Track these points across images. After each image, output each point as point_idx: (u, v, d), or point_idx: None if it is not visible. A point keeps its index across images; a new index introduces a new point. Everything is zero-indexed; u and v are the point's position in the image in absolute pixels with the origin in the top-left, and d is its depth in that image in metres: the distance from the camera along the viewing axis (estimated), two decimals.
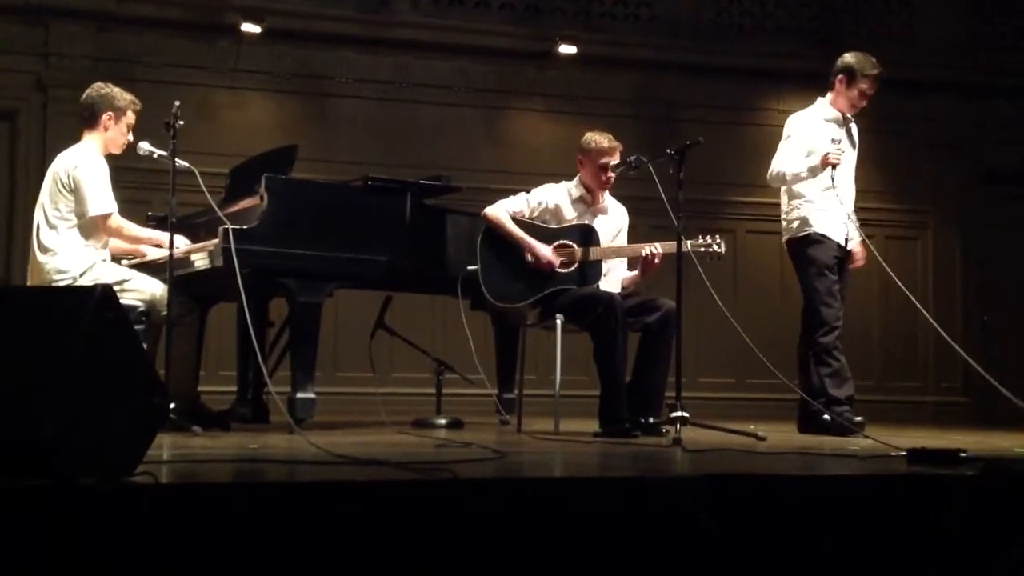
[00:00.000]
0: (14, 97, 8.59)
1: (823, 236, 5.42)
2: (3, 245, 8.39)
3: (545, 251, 5.23)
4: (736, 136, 9.70)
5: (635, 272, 5.42)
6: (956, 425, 7.30)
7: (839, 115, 5.52)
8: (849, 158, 5.52)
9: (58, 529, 2.14)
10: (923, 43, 10.19)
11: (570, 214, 5.40)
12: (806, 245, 5.46)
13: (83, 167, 4.99)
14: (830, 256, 5.41)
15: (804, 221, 5.46)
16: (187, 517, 2.26)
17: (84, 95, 5.15)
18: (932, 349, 10.01)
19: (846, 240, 5.48)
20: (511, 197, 5.45)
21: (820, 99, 5.59)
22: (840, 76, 5.52)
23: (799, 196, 5.46)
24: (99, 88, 5.15)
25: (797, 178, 5.40)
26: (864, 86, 5.48)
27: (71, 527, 2.16)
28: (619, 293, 5.28)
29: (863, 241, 5.63)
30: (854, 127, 5.63)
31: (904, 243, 10.14)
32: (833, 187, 5.26)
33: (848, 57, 5.56)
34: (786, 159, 5.45)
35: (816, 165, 5.31)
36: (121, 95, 5.14)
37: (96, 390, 2.37)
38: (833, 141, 5.30)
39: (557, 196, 5.43)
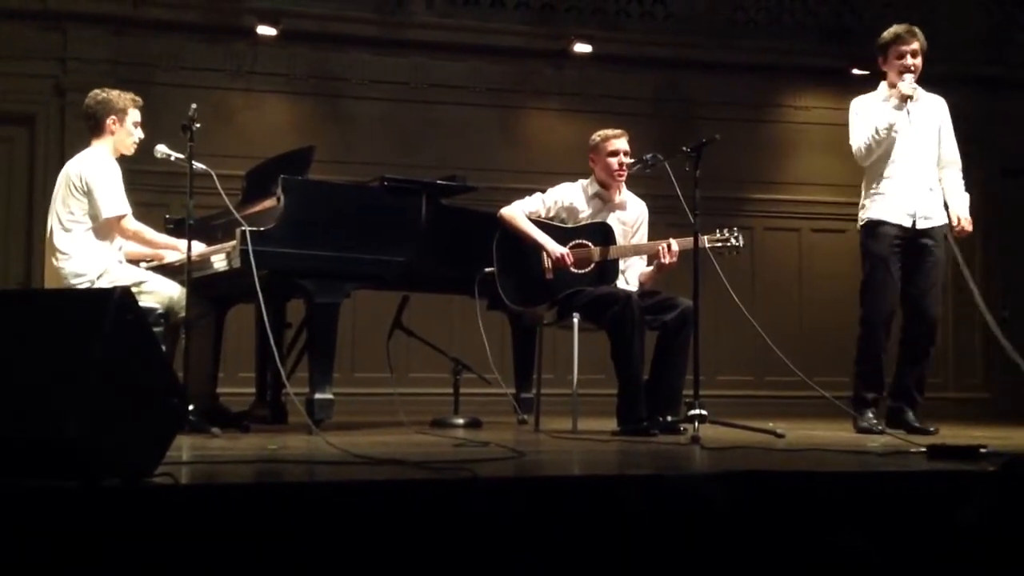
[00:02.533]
0: (32, 101, 8.64)
1: (880, 222, 5.29)
2: (23, 248, 8.44)
3: (557, 247, 5.23)
4: (754, 133, 9.69)
5: (651, 268, 5.42)
6: (977, 421, 7.26)
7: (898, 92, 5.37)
8: (915, 134, 5.32)
9: (81, 529, 2.16)
10: (942, 37, 10.11)
11: (587, 212, 5.40)
12: (864, 235, 5.40)
13: (94, 170, 5.01)
14: (887, 245, 5.26)
15: (864, 209, 5.41)
16: (207, 518, 2.27)
17: (84, 105, 5.18)
18: (952, 345, 9.96)
19: (913, 221, 5.27)
20: (527, 197, 5.45)
21: (882, 83, 5.51)
22: (879, 57, 5.47)
23: (865, 185, 5.41)
24: (96, 95, 5.16)
25: (879, 138, 5.26)
26: (896, 52, 5.36)
27: (94, 527, 2.17)
28: (636, 291, 5.27)
29: (955, 210, 5.36)
30: (926, 102, 5.42)
31: None
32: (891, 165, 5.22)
33: (883, 34, 5.48)
34: (861, 133, 5.36)
35: (890, 109, 5.26)
36: (119, 96, 5.15)
37: (116, 392, 2.38)
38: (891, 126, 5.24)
39: (573, 195, 5.43)
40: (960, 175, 5.46)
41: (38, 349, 2.42)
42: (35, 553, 2.11)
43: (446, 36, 9.34)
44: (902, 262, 5.28)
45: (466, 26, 9.37)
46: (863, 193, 5.45)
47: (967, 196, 5.43)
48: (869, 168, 5.39)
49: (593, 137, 5.44)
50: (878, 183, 5.35)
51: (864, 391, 5.29)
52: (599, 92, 9.52)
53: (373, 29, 9.27)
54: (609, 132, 5.40)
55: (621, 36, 9.68)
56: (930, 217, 5.32)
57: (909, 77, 5.29)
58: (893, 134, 5.28)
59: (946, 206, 5.38)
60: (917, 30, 5.44)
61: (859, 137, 5.38)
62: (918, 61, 5.37)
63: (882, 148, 5.33)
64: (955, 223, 5.33)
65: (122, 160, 5.20)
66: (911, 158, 5.31)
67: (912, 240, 5.29)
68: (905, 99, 5.27)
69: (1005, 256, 10.22)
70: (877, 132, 5.28)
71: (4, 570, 2.10)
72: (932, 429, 5.12)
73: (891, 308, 5.31)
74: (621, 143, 5.37)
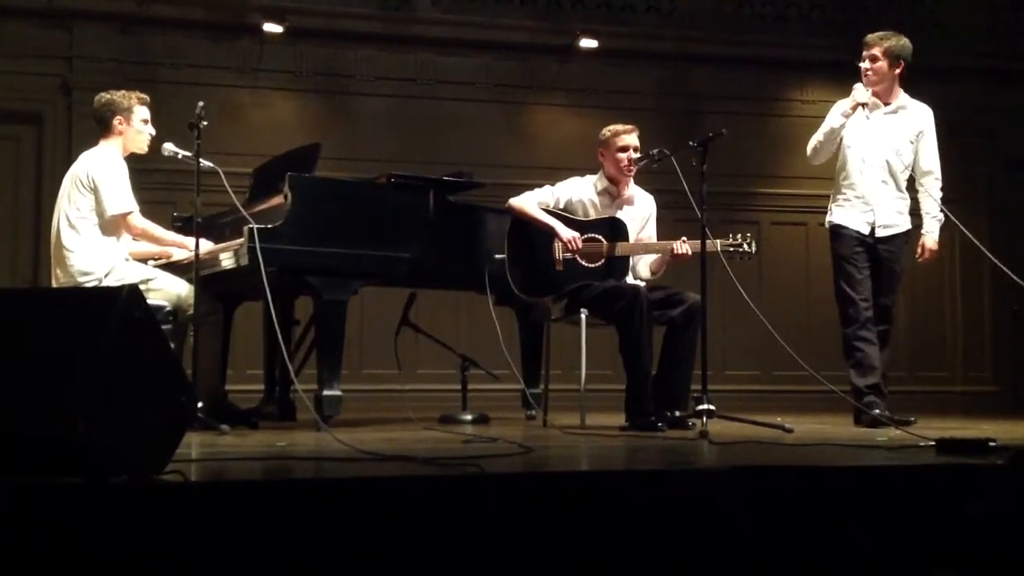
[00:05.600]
0: (39, 100, 8.66)
1: (842, 227, 5.44)
2: (31, 247, 8.45)
3: (568, 231, 5.22)
4: (760, 127, 9.68)
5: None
6: (986, 415, 7.25)
7: (874, 98, 5.42)
8: (881, 143, 5.39)
9: (89, 527, 2.16)
10: (947, 30, 10.11)
11: (596, 206, 5.39)
12: (830, 238, 5.52)
13: (101, 167, 5.03)
14: (850, 247, 5.40)
15: (829, 213, 5.54)
16: (216, 515, 2.28)
17: (92, 109, 5.22)
18: (960, 339, 9.94)
19: (872, 230, 5.40)
20: (537, 189, 5.45)
21: None
22: None
23: (832, 190, 5.52)
24: (101, 98, 5.20)
25: (821, 140, 5.40)
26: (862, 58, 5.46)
27: (102, 525, 2.17)
28: (644, 285, 5.26)
29: (924, 233, 5.45)
30: (909, 110, 5.47)
31: None
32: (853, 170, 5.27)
33: None
34: (816, 133, 5.50)
35: (836, 112, 5.36)
36: (124, 95, 5.18)
37: (125, 389, 2.38)
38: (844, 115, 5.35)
39: (582, 189, 5.43)
40: (936, 185, 5.50)
41: (47, 348, 2.42)
42: (44, 551, 2.12)
43: (452, 32, 9.34)
44: (866, 262, 5.41)
45: (472, 22, 9.37)
46: (831, 197, 5.56)
47: (939, 217, 5.46)
48: (836, 173, 5.51)
49: (603, 132, 5.43)
50: (841, 190, 5.48)
51: (858, 381, 5.32)
52: (605, 87, 9.51)
53: (379, 26, 9.26)
54: (619, 127, 5.40)
55: (627, 31, 9.66)
56: (890, 226, 5.43)
57: (859, 85, 5.37)
58: (838, 138, 5.38)
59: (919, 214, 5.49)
60: (878, 35, 5.46)
61: (814, 136, 5.50)
62: (876, 66, 5.41)
63: (825, 150, 5.46)
64: (919, 252, 5.46)
65: (129, 158, 5.22)
66: (874, 167, 5.41)
67: (872, 247, 5.43)
68: (855, 106, 5.34)
69: (1013, 249, 10.16)
70: (821, 134, 5.42)
71: (13, 567, 2.10)
72: (911, 419, 5.15)
73: (864, 301, 5.38)
74: (631, 138, 5.36)
